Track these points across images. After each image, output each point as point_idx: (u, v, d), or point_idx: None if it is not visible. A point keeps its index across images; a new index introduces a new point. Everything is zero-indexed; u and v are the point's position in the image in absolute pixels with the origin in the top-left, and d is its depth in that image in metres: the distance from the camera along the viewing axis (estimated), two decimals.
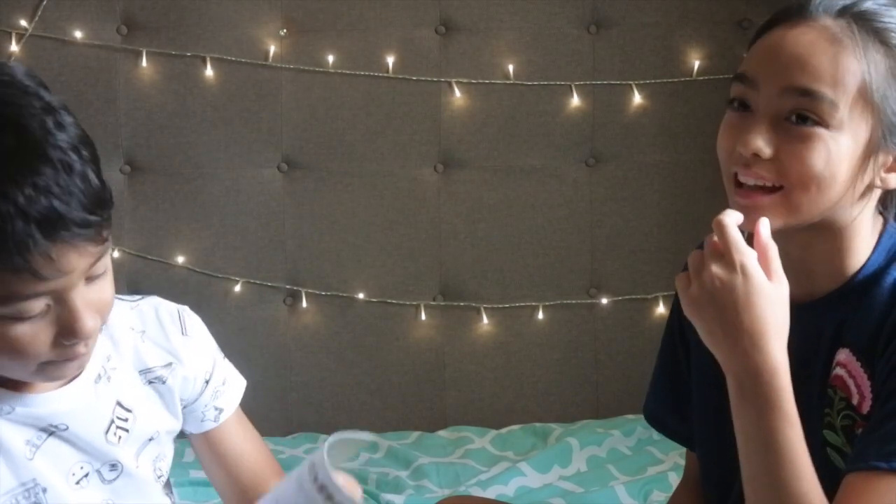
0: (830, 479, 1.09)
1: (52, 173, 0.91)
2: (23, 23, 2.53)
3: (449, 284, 2.72)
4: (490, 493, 2.20)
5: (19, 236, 0.90)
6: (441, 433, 2.59)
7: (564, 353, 2.75)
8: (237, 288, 2.64)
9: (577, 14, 2.67)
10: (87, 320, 0.98)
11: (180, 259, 2.62)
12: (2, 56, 2.52)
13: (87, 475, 1.12)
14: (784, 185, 1.09)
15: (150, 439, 1.18)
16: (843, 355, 1.13)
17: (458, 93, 2.65)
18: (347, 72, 2.62)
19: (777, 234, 1.11)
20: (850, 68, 1.06)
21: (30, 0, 2.53)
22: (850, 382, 1.12)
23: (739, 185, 1.12)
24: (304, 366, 2.66)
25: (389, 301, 2.65)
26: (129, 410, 1.15)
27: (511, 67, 2.66)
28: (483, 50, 2.67)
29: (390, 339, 2.68)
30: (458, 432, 2.58)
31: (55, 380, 1.06)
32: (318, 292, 2.66)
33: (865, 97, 1.07)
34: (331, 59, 2.62)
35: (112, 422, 1.14)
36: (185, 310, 1.24)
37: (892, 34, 1.08)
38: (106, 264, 1.00)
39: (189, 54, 2.59)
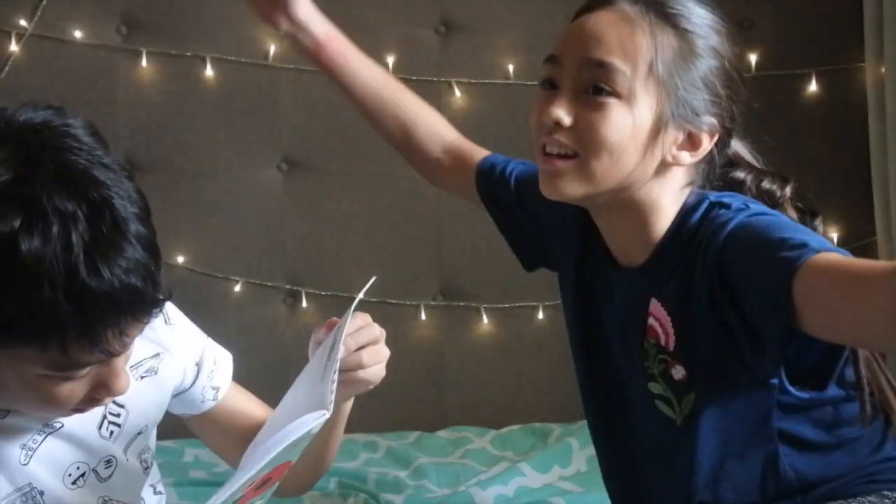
0: (664, 428, 1.23)
1: (132, 252, 0.93)
2: (23, 23, 2.53)
3: (449, 284, 2.71)
4: (490, 493, 2.20)
5: (105, 316, 0.92)
6: (441, 433, 2.59)
7: (564, 353, 2.73)
8: (237, 288, 2.64)
9: None
10: (124, 379, 1.02)
11: (180, 259, 2.62)
12: (2, 56, 2.52)
13: (83, 475, 1.12)
14: (579, 152, 1.19)
15: (139, 433, 1.19)
16: (652, 305, 1.22)
17: (458, 93, 2.65)
18: None
19: (594, 209, 1.26)
20: (641, 45, 1.17)
21: (30, 0, 2.53)
22: (656, 325, 1.21)
23: (545, 155, 1.23)
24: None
25: (389, 301, 2.65)
26: (121, 406, 1.16)
27: (511, 67, 2.66)
28: (483, 50, 2.67)
29: (390, 339, 2.65)
30: (458, 432, 2.58)
31: (68, 416, 1.08)
32: (318, 292, 2.66)
33: (655, 74, 1.16)
34: None
35: (104, 417, 1.14)
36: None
37: (682, 18, 1.18)
38: None
39: (189, 54, 2.59)
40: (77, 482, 1.12)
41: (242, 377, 1.35)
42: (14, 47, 2.52)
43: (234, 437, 1.30)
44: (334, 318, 1.17)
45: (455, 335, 2.72)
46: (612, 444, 1.39)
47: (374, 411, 2.64)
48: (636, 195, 1.21)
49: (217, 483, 2.21)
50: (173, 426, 1.25)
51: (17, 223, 0.88)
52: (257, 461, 0.98)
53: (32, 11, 2.53)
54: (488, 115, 2.67)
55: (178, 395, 1.24)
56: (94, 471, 1.13)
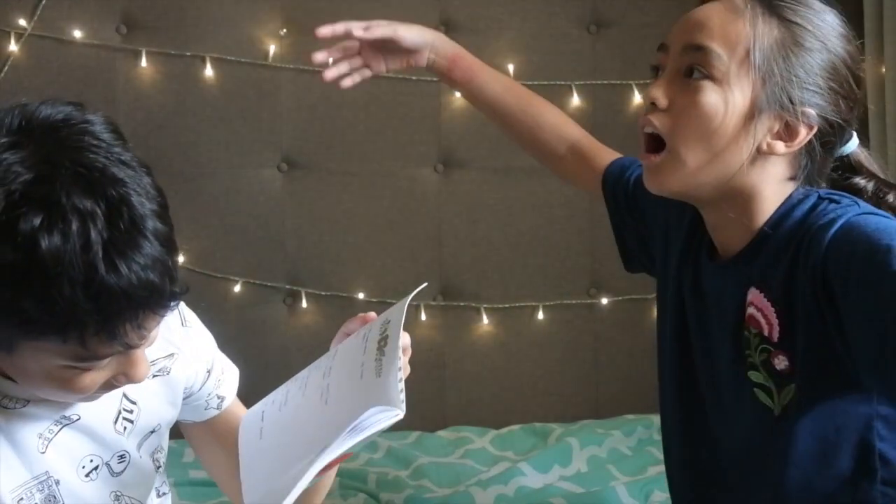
0: (760, 417, 1.22)
1: (149, 248, 0.94)
2: (22, 22, 2.53)
3: (449, 284, 2.71)
4: (490, 493, 2.20)
5: (115, 311, 0.93)
6: (441, 433, 2.59)
7: (564, 353, 2.75)
8: (237, 288, 2.64)
9: (577, 14, 2.67)
10: (144, 366, 1.04)
11: (180, 259, 2.62)
12: (2, 56, 2.52)
13: (96, 468, 1.13)
14: (668, 137, 1.21)
15: (152, 431, 1.20)
16: (752, 295, 1.22)
17: (458, 93, 2.65)
18: None
19: (700, 204, 1.28)
20: (740, 32, 1.19)
21: (29, 0, 2.53)
22: (759, 315, 1.21)
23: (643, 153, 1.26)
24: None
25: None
26: (133, 403, 1.17)
27: (511, 67, 2.66)
28: (483, 50, 2.67)
29: None
30: (458, 432, 2.58)
31: (89, 401, 1.09)
32: (318, 292, 2.66)
33: (752, 61, 1.18)
34: (331, 58, 2.62)
35: (119, 412, 1.16)
36: (180, 302, 1.25)
37: (789, 11, 1.20)
38: None
39: (189, 54, 2.59)
40: (90, 475, 1.13)
41: (242, 376, 1.36)
42: (14, 47, 2.52)
43: (229, 451, 1.30)
44: (372, 313, 1.19)
45: (455, 335, 2.72)
46: (695, 434, 1.37)
47: None
48: (735, 183, 1.22)
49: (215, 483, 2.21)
50: (173, 427, 1.25)
51: (37, 222, 0.89)
52: (322, 454, 0.97)
53: (32, 11, 2.53)
54: None
55: (186, 398, 1.25)
56: (108, 465, 1.14)
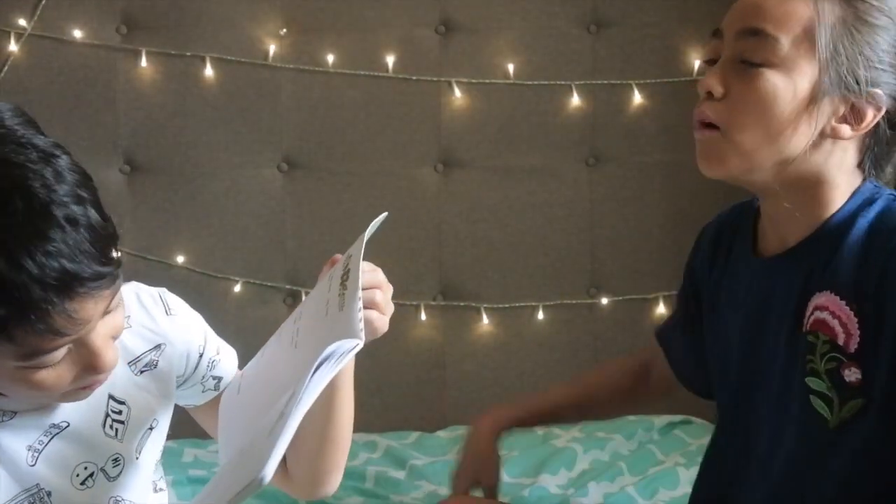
0: (814, 426, 1.15)
1: (60, 235, 0.90)
2: (22, 22, 2.53)
3: (449, 284, 2.71)
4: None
5: (37, 303, 0.90)
6: (441, 433, 2.59)
7: (564, 353, 2.75)
8: (237, 288, 2.64)
9: (577, 14, 2.67)
10: (108, 355, 1.00)
11: (180, 259, 2.62)
12: (2, 56, 2.52)
13: (91, 475, 1.12)
14: (723, 125, 1.16)
15: (151, 429, 1.19)
16: (824, 298, 1.15)
17: (458, 93, 2.65)
18: (347, 72, 2.62)
19: (762, 193, 1.21)
20: (797, 11, 1.13)
21: (29, 0, 2.53)
22: (835, 323, 1.14)
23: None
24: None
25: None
26: (121, 402, 1.15)
27: (511, 67, 2.66)
28: (483, 50, 2.67)
29: (390, 339, 2.66)
30: (458, 432, 2.58)
31: (76, 400, 1.07)
32: None
33: (813, 42, 1.12)
34: (331, 58, 2.62)
35: (107, 415, 1.14)
36: (164, 291, 1.24)
37: None
38: (119, 295, 1.01)
39: (189, 54, 2.59)
40: (86, 482, 1.12)
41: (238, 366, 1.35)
42: (14, 47, 2.52)
43: None
44: (337, 256, 1.16)
45: (455, 335, 2.72)
46: (735, 439, 1.31)
47: (373, 411, 2.64)
48: (798, 170, 1.16)
49: None
50: (173, 425, 1.24)
51: None
52: (296, 407, 0.93)
53: (32, 11, 2.53)
54: (488, 115, 2.67)
55: (181, 384, 1.24)
56: (103, 470, 1.13)
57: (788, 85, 1.13)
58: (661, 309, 2.71)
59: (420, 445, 2.50)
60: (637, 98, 2.67)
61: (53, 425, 1.09)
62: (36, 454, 1.08)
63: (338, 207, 2.66)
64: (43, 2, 2.53)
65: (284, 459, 1.25)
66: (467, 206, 2.71)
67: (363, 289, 1.09)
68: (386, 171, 2.67)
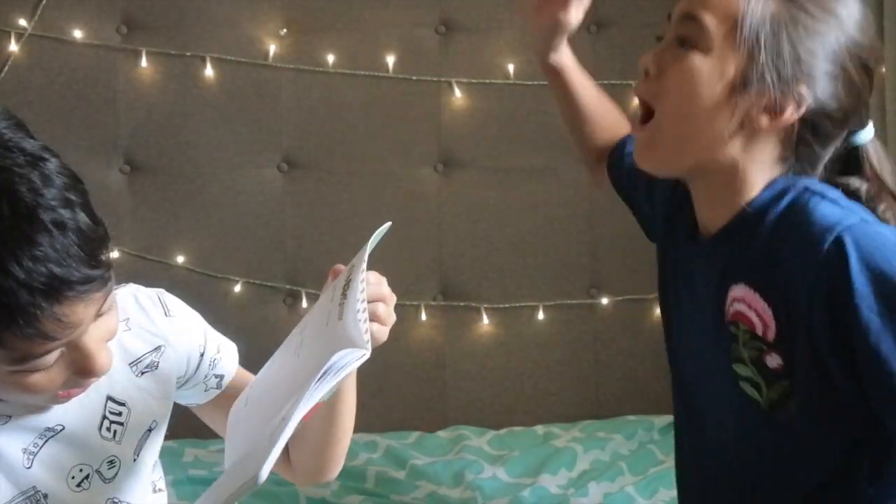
0: (747, 409, 1.19)
1: (47, 239, 0.90)
2: (22, 22, 2.53)
3: (449, 284, 2.71)
4: (492, 494, 2.20)
5: (25, 308, 0.90)
6: (441, 433, 2.59)
7: (564, 353, 2.75)
8: (237, 288, 2.64)
9: None
10: (101, 358, 1.00)
11: (180, 259, 2.62)
12: (2, 56, 2.52)
13: (87, 477, 1.12)
14: (655, 106, 1.21)
15: (149, 430, 1.19)
16: (740, 290, 1.19)
17: (458, 93, 2.65)
18: (347, 72, 2.62)
19: (688, 178, 1.25)
20: (734, 4, 1.17)
21: (29, 0, 2.53)
22: (752, 314, 1.18)
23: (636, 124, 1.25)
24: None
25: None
26: (121, 404, 1.15)
27: (511, 67, 2.66)
28: (483, 50, 2.67)
29: (390, 339, 2.66)
30: (458, 432, 2.58)
31: (69, 399, 1.06)
32: (318, 292, 2.64)
33: (742, 33, 1.17)
34: (331, 59, 2.62)
35: (104, 417, 1.14)
36: (162, 292, 1.24)
37: None
38: (112, 298, 1.00)
39: (189, 54, 2.59)
40: (82, 484, 1.12)
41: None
42: (14, 47, 2.52)
43: None
44: (339, 265, 1.17)
45: (455, 335, 2.72)
46: (694, 421, 1.34)
47: (374, 411, 2.64)
48: (720, 158, 1.20)
49: None
50: (172, 425, 1.24)
51: None
52: (296, 408, 0.95)
53: (32, 11, 2.53)
54: (488, 115, 2.67)
55: (182, 384, 1.24)
56: (98, 472, 1.13)
57: (714, 69, 1.17)
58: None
59: (420, 445, 2.50)
60: (637, 98, 2.66)
61: (48, 429, 1.09)
62: (31, 457, 1.08)
63: (338, 207, 2.66)
64: (43, 2, 2.53)
65: (287, 451, 1.25)
66: (467, 207, 2.71)
67: (368, 301, 1.09)
68: (386, 171, 2.67)
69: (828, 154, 1.21)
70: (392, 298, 1.16)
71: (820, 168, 1.22)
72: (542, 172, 2.71)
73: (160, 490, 1.25)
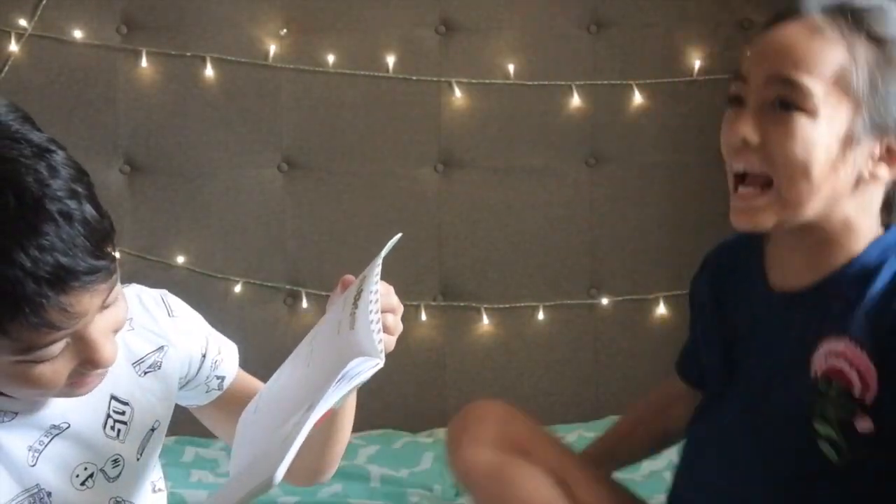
0: (823, 470, 1.13)
1: (54, 229, 0.90)
2: (22, 22, 2.53)
3: (449, 284, 2.71)
4: None
5: (31, 297, 0.90)
6: (441, 432, 2.59)
7: (564, 353, 2.75)
8: (237, 288, 2.64)
9: (577, 14, 2.67)
10: (107, 350, 1.00)
11: (180, 259, 2.62)
12: (2, 56, 2.52)
13: (91, 475, 1.12)
14: (772, 175, 1.13)
15: (152, 430, 1.19)
16: (841, 345, 1.13)
17: (458, 93, 2.65)
18: (347, 72, 2.62)
19: (775, 233, 1.18)
20: (827, 57, 1.11)
21: (29, 0, 2.53)
22: (853, 374, 1.11)
23: (737, 187, 1.17)
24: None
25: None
26: (125, 403, 1.15)
27: (511, 67, 2.66)
28: (483, 50, 2.67)
29: None
30: None
31: (75, 396, 1.06)
32: (318, 292, 2.66)
33: (846, 86, 1.11)
34: (331, 59, 2.62)
35: (108, 416, 1.14)
36: (166, 293, 1.24)
37: (879, 26, 1.12)
38: (117, 289, 1.00)
39: (189, 54, 2.59)
40: (86, 483, 1.12)
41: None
42: (14, 47, 2.52)
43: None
44: (349, 276, 1.16)
45: (455, 335, 2.72)
46: (713, 459, 1.28)
47: (374, 411, 2.64)
48: (834, 215, 1.15)
49: (217, 483, 2.21)
50: (173, 425, 1.24)
51: None
52: (311, 412, 0.95)
53: (32, 11, 2.53)
54: (488, 115, 2.67)
55: (184, 385, 1.24)
56: (102, 471, 1.13)
57: (825, 130, 1.11)
58: (662, 309, 2.71)
59: (420, 446, 2.49)
60: (637, 98, 2.67)
61: (54, 426, 1.09)
62: (36, 454, 1.08)
63: (338, 207, 2.66)
64: (43, 2, 2.53)
65: None
66: (467, 207, 2.71)
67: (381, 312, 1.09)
68: (386, 172, 2.67)
69: None
70: (400, 308, 1.17)
71: None
72: (542, 172, 2.71)
73: (160, 490, 1.25)
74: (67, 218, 0.91)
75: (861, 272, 1.15)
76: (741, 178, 1.17)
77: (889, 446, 1.10)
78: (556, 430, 2.53)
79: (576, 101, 2.67)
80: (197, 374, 1.24)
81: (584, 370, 2.75)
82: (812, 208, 1.14)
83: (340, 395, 0.97)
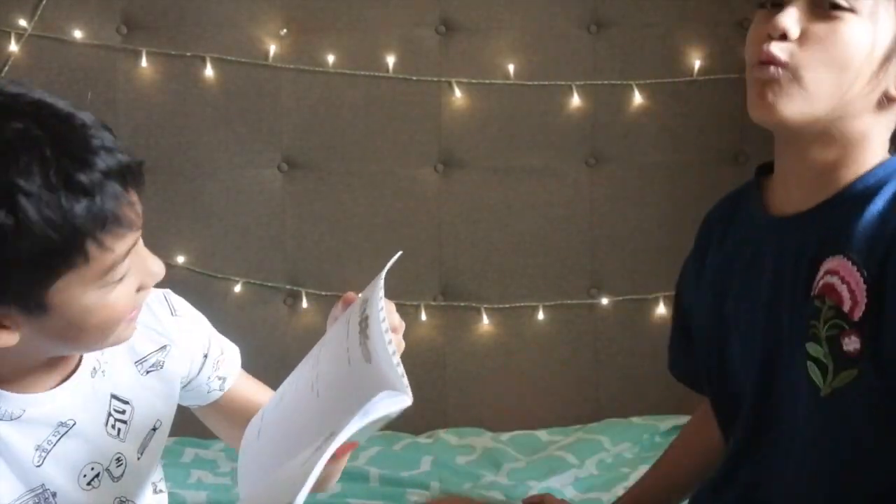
0: (803, 395, 1.13)
1: (104, 135, 0.99)
2: (22, 22, 2.53)
3: (449, 284, 2.71)
4: (492, 494, 2.20)
5: (110, 195, 0.97)
6: (441, 433, 2.59)
7: (564, 353, 2.75)
8: (237, 288, 2.64)
9: (577, 14, 2.67)
10: (158, 262, 1.09)
11: (180, 259, 2.62)
12: (2, 56, 2.52)
13: (98, 475, 1.13)
14: (802, 67, 1.09)
15: (154, 429, 1.19)
16: (836, 262, 1.11)
17: (458, 93, 2.65)
18: (347, 72, 2.62)
19: (791, 138, 1.13)
20: None
21: (30, 0, 2.53)
22: (843, 289, 1.10)
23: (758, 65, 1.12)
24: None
25: (390, 300, 2.65)
26: (126, 402, 1.16)
27: (511, 67, 2.66)
28: (483, 50, 2.67)
29: None
30: (458, 433, 2.58)
31: (121, 342, 1.09)
32: (318, 292, 2.66)
33: None
34: (331, 59, 2.62)
35: (109, 414, 1.14)
36: (169, 292, 1.25)
37: None
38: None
39: (189, 54, 2.59)
40: (92, 483, 1.12)
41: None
42: (14, 47, 2.52)
43: (243, 428, 1.30)
44: (351, 294, 1.16)
45: (455, 335, 2.72)
46: (735, 409, 1.26)
47: None
48: (849, 125, 1.12)
49: (217, 483, 2.21)
50: (172, 426, 1.25)
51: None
52: (331, 441, 0.96)
53: (32, 11, 2.53)
54: (488, 115, 2.67)
55: (185, 385, 1.24)
56: (108, 470, 1.14)
57: (869, 36, 1.08)
58: (661, 309, 2.71)
59: (420, 446, 2.49)
60: (637, 98, 2.67)
61: (61, 423, 1.09)
62: (44, 454, 1.08)
63: (338, 207, 2.66)
64: (43, 2, 2.52)
65: None
66: (467, 207, 2.71)
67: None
68: (386, 171, 2.67)
69: None
70: (402, 326, 1.16)
71: None
72: (542, 172, 2.71)
73: (161, 491, 1.25)
74: (106, 127, 1.01)
75: (865, 190, 1.13)
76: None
77: (870, 368, 1.09)
78: (558, 439, 2.54)
79: (576, 101, 2.66)
80: (198, 374, 1.25)
81: (584, 370, 2.75)
82: (833, 110, 1.10)
83: (360, 427, 0.98)
